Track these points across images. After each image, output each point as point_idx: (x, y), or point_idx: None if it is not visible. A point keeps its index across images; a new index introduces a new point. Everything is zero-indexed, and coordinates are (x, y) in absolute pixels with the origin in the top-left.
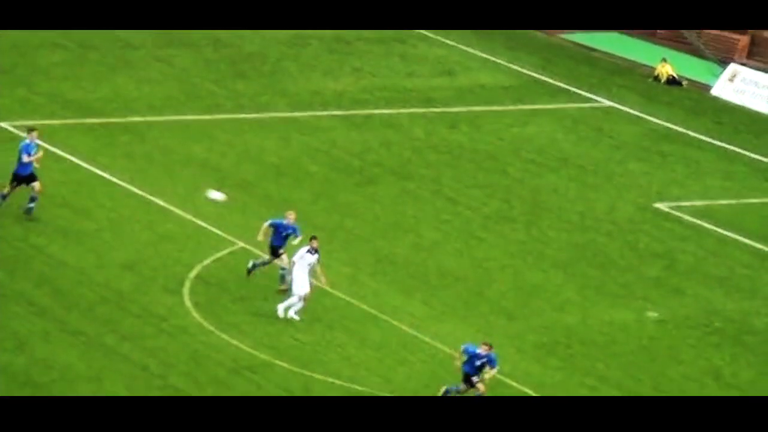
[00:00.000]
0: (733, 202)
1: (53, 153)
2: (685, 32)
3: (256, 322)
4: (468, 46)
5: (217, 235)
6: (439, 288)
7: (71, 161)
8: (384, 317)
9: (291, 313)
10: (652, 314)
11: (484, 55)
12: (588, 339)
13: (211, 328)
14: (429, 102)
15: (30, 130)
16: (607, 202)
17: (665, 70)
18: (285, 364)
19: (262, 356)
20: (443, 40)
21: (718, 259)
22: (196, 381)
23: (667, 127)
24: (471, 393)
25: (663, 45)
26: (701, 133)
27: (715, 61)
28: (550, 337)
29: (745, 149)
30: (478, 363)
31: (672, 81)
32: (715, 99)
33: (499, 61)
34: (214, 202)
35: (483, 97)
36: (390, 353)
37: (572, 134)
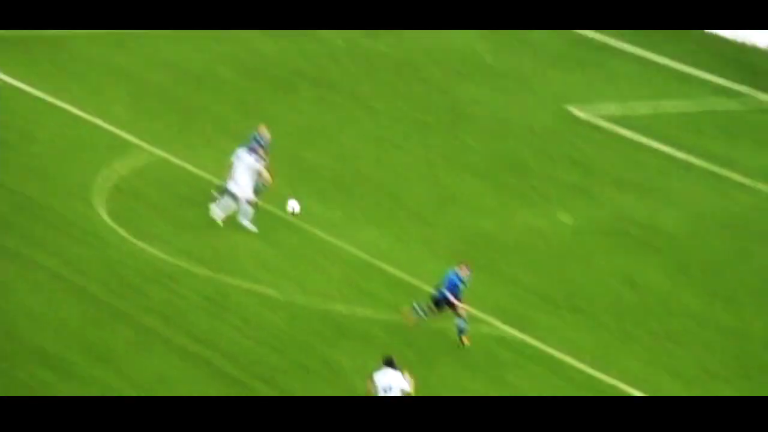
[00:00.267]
0: (650, 109)
1: None
2: None
3: (174, 232)
4: None
5: (138, 145)
6: (357, 195)
7: None
8: (301, 224)
9: (245, 222)
10: (567, 220)
11: None
12: (504, 244)
13: (128, 236)
14: None
15: None
16: (525, 109)
17: None
18: (202, 271)
19: (180, 263)
20: None
21: (633, 164)
22: (112, 289)
23: (585, 35)
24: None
25: None
26: (622, 41)
27: None
28: (467, 243)
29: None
30: (460, 286)
31: None
32: None
33: None
34: (292, 211)
35: None
36: (306, 260)
37: (491, 43)
